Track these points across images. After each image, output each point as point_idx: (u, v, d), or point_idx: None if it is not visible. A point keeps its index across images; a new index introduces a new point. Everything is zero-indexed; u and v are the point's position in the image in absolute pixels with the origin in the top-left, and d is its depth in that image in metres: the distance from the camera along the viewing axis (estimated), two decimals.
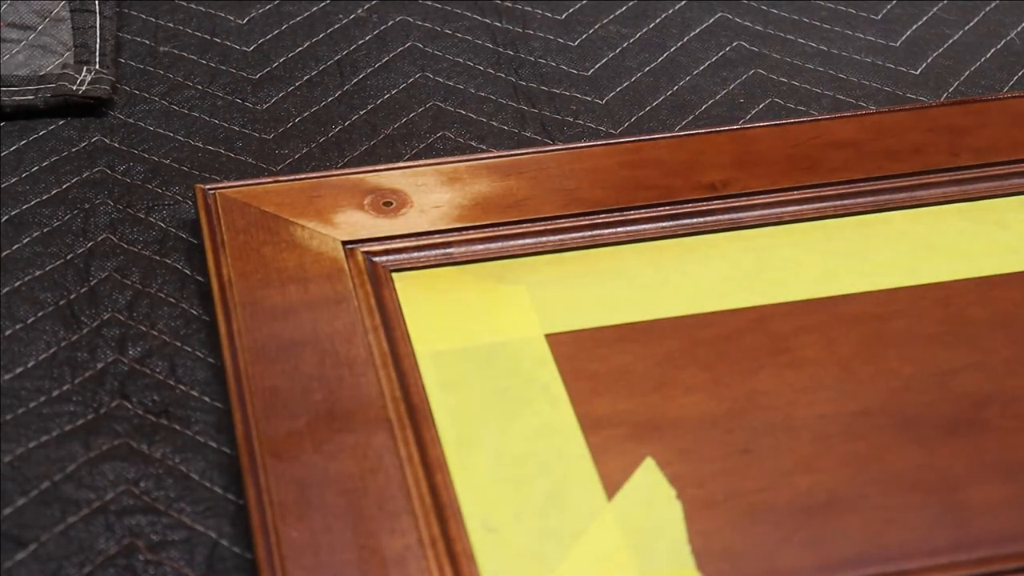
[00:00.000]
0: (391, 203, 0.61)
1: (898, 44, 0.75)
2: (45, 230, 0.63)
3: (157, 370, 0.57)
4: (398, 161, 0.67)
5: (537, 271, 0.60)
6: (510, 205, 0.62)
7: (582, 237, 0.61)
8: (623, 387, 0.55)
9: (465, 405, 0.55)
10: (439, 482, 0.51)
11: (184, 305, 0.60)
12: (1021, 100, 0.68)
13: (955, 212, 0.63)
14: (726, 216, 0.62)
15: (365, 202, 0.61)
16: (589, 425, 0.54)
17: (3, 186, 0.65)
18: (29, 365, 0.57)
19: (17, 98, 0.68)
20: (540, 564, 0.50)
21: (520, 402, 0.55)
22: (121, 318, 0.59)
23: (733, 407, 0.55)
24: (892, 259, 0.61)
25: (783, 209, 0.63)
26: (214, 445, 0.54)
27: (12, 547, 0.51)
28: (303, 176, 0.63)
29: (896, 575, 0.50)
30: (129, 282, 0.60)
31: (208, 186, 0.62)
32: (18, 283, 0.60)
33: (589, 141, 0.66)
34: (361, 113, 0.70)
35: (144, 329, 0.59)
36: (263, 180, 0.62)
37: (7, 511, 0.52)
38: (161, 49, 0.73)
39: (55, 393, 0.56)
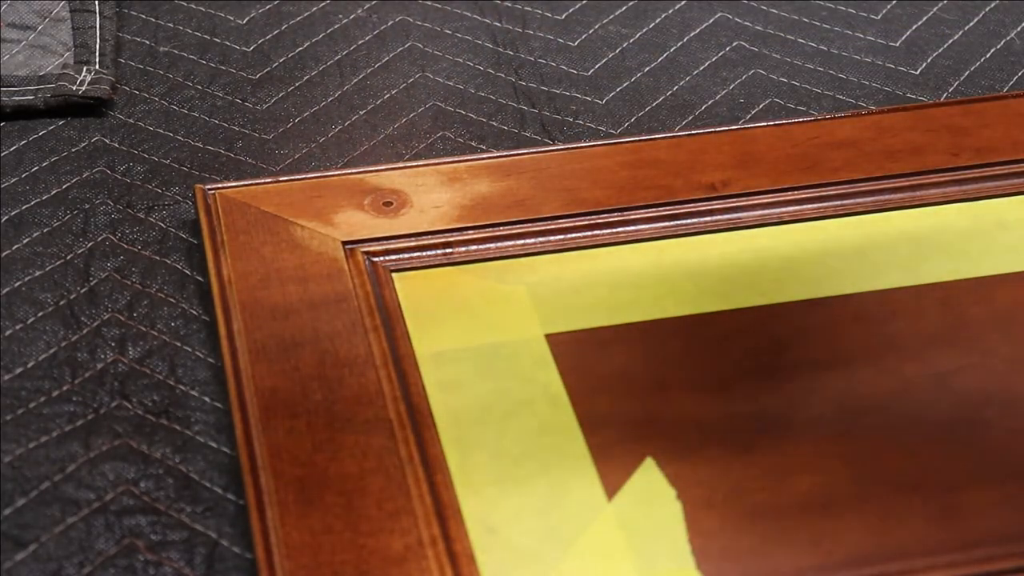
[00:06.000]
0: (391, 203, 0.61)
1: (898, 44, 0.75)
2: (45, 230, 0.63)
3: (157, 370, 0.57)
4: (398, 161, 0.67)
5: (537, 271, 0.60)
6: (510, 205, 0.62)
7: (582, 237, 0.61)
8: (623, 387, 0.55)
9: (465, 405, 0.55)
10: (439, 482, 0.51)
11: (184, 305, 0.60)
12: (1021, 100, 0.68)
13: (955, 212, 0.63)
14: (726, 216, 0.62)
15: (365, 202, 0.61)
16: (589, 425, 0.54)
17: (3, 186, 0.65)
18: (29, 365, 0.57)
19: (17, 98, 0.68)
20: (540, 564, 0.50)
21: (520, 402, 0.55)
22: (121, 318, 0.59)
23: (733, 407, 0.55)
24: (892, 259, 0.61)
25: (783, 209, 0.63)
26: (214, 445, 0.54)
27: (12, 547, 0.51)
28: (303, 176, 0.63)
29: (896, 575, 0.50)
30: (129, 282, 0.60)
31: (208, 186, 0.62)
32: (18, 283, 0.60)
33: (589, 141, 0.66)
34: (361, 113, 0.70)
35: (144, 329, 0.59)
36: (263, 180, 0.62)
37: (7, 511, 0.52)
38: (161, 49, 0.73)
39: (55, 393, 0.56)
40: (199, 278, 0.61)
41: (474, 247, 0.60)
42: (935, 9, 0.77)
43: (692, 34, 0.75)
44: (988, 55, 0.74)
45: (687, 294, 0.59)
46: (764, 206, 0.62)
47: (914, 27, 0.76)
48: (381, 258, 0.59)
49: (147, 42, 0.73)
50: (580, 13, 0.76)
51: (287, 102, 0.70)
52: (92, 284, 0.60)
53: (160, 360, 0.57)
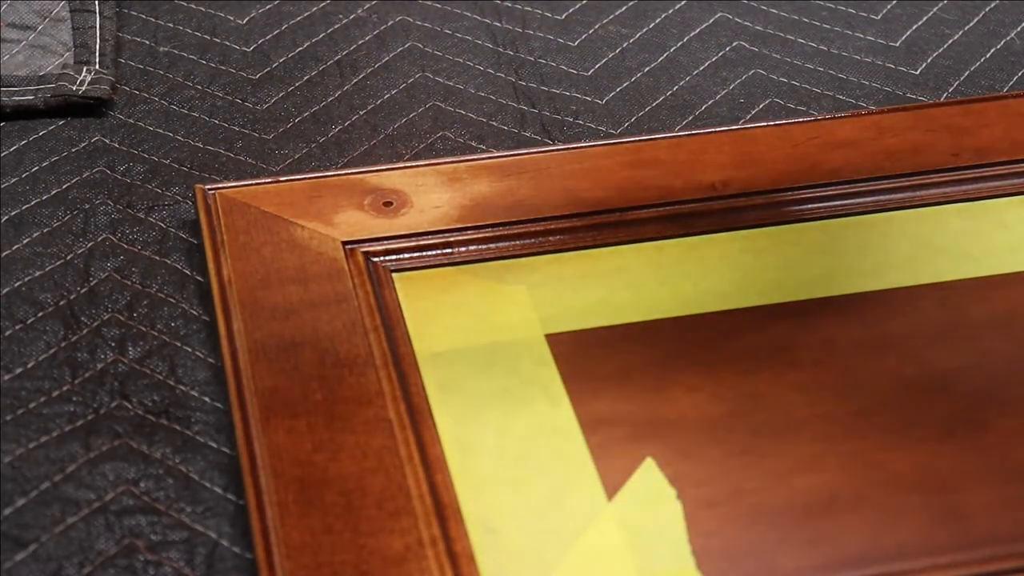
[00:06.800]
0: (391, 203, 0.61)
1: (898, 44, 0.75)
2: (45, 230, 0.63)
3: (157, 370, 0.57)
4: (398, 161, 0.67)
5: (537, 271, 0.60)
6: (510, 205, 0.62)
7: (582, 237, 0.61)
8: (623, 387, 0.55)
9: (465, 405, 0.55)
10: (439, 482, 0.51)
11: (184, 305, 0.60)
12: (1021, 100, 0.68)
13: (955, 212, 0.63)
14: (726, 216, 0.62)
15: (365, 202, 0.61)
16: (589, 425, 0.54)
17: (3, 186, 0.65)
18: (29, 365, 0.57)
19: (17, 98, 0.68)
20: (540, 564, 0.50)
21: (520, 402, 0.55)
22: (121, 318, 0.59)
23: (733, 407, 0.55)
24: (892, 259, 0.61)
25: (783, 209, 0.63)
26: (214, 445, 0.54)
27: (12, 547, 0.51)
28: (303, 176, 0.63)
29: (896, 575, 0.50)
30: (129, 282, 0.60)
31: (208, 186, 0.62)
32: (18, 283, 0.60)
33: (589, 141, 0.66)
34: (361, 113, 0.70)
35: (144, 329, 0.59)
36: (263, 180, 0.62)
37: (7, 511, 0.52)
38: (161, 49, 0.73)
39: (55, 393, 0.56)
40: (199, 278, 0.61)
41: (474, 247, 0.60)
42: (935, 9, 0.77)
43: (692, 34, 0.75)
44: (988, 55, 0.74)
45: (687, 294, 0.59)
46: (764, 206, 0.62)
47: (914, 27, 0.76)
48: (381, 258, 0.59)
49: (147, 42, 0.73)
50: (580, 13, 0.76)
51: (287, 102, 0.70)
52: (92, 284, 0.60)
53: (160, 360, 0.57)
